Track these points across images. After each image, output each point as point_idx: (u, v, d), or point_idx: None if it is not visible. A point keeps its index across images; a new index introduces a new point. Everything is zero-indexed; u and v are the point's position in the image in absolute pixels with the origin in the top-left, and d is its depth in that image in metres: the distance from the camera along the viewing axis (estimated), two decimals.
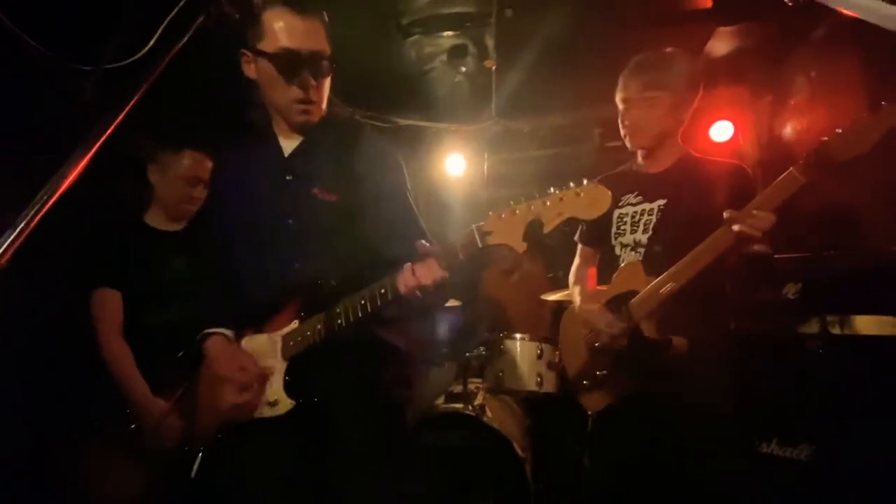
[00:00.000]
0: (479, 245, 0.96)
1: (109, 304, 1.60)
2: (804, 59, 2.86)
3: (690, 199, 1.48)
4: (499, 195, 4.09)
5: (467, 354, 2.54)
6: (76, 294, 1.64)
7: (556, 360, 2.58)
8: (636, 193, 1.62)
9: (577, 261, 1.85)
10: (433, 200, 3.77)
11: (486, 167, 3.92)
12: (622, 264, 1.57)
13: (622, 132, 1.62)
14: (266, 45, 1.17)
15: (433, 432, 2.23)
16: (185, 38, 0.85)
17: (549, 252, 3.20)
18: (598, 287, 1.68)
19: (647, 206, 1.58)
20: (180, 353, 1.59)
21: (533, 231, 0.91)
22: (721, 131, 3.22)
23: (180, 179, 1.73)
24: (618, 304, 1.50)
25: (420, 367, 2.70)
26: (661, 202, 1.55)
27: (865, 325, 1.69)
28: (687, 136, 1.68)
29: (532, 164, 3.96)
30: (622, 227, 1.61)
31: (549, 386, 2.47)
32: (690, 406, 1.36)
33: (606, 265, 1.66)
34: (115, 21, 1.74)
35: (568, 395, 2.60)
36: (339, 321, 1.10)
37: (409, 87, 3.20)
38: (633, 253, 1.56)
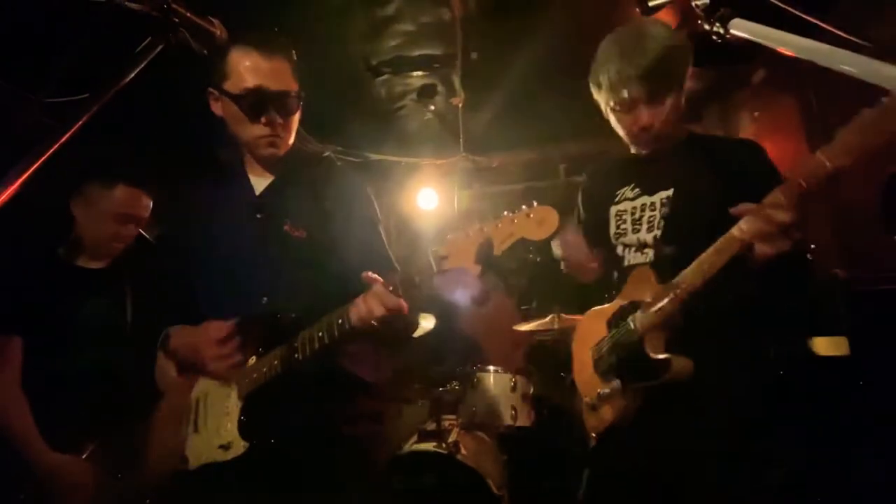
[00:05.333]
0: (435, 269, 0.96)
1: (6, 352, 1.44)
2: (747, 101, 3.07)
3: (701, 187, 1.26)
4: (461, 228, 4.15)
5: (440, 389, 2.48)
6: None
7: (531, 392, 2.54)
8: (633, 186, 1.39)
9: None
10: (405, 233, 3.78)
11: (456, 201, 3.98)
12: (627, 266, 1.37)
13: (629, 132, 1.35)
14: (231, 86, 1.17)
15: (405, 473, 2.14)
16: (137, 70, 0.84)
17: (522, 285, 3.23)
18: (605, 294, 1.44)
19: (647, 199, 1.36)
20: (94, 402, 1.45)
21: (483, 252, 0.91)
22: None
23: (109, 215, 1.58)
24: (624, 315, 1.30)
25: (391, 403, 2.62)
26: (666, 194, 1.32)
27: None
28: None
29: (501, 199, 4.06)
30: (622, 227, 1.40)
31: (524, 419, 2.43)
32: (689, 434, 1.19)
33: (611, 268, 1.45)
34: (75, 53, 1.74)
35: (543, 428, 2.58)
36: (297, 355, 1.06)
37: (379, 123, 3.27)
38: (638, 254, 1.35)
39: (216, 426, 1.11)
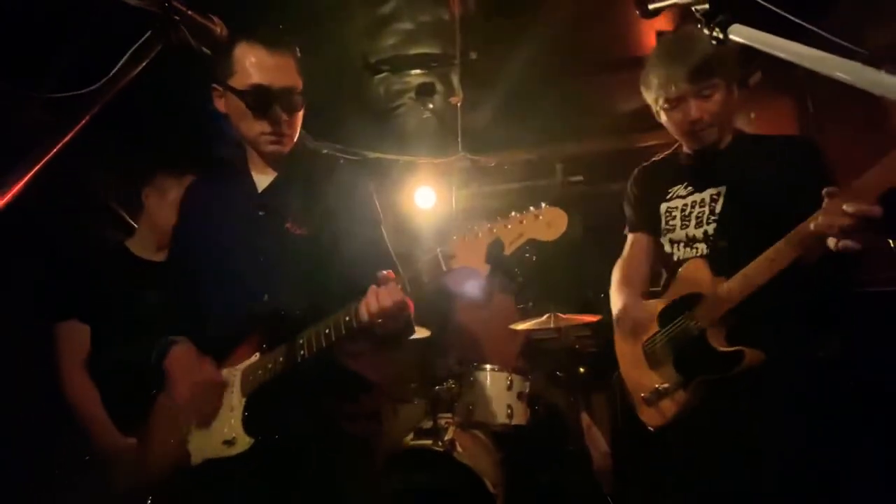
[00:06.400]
0: (444, 268, 0.97)
1: (75, 338, 1.52)
2: (744, 102, 3.09)
3: (755, 184, 1.29)
4: (469, 227, 4.17)
5: (437, 388, 2.49)
6: (38, 327, 1.55)
7: (527, 390, 2.56)
8: (686, 184, 1.43)
9: (626, 253, 1.58)
10: (403, 232, 3.79)
11: (454, 200, 3.99)
12: (676, 261, 1.39)
13: (680, 129, 1.39)
14: (236, 82, 1.17)
15: (402, 470, 2.15)
16: (140, 67, 0.84)
17: (518, 284, 3.25)
18: (653, 288, 1.48)
19: (697, 196, 1.39)
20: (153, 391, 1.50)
21: (494, 252, 0.93)
22: None
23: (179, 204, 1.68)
24: (680, 308, 1.30)
25: (389, 402, 2.63)
26: (716, 190, 1.35)
27: None
28: None
29: (499, 198, 4.07)
30: (671, 223, 1.43)
31: (520, 418, 2.44)
32: (756, 431, 1.20)
33: (657, 263, 1.48)
34: (74, 49, 1.74)
35: (538, 426, 2.59)
36: (302, 352, 1.07)
37: (378, 122, 3.27)
38: (687, 249, 1.38)
39: (219, 422, 1.12)
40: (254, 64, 1.17)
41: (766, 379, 1.21)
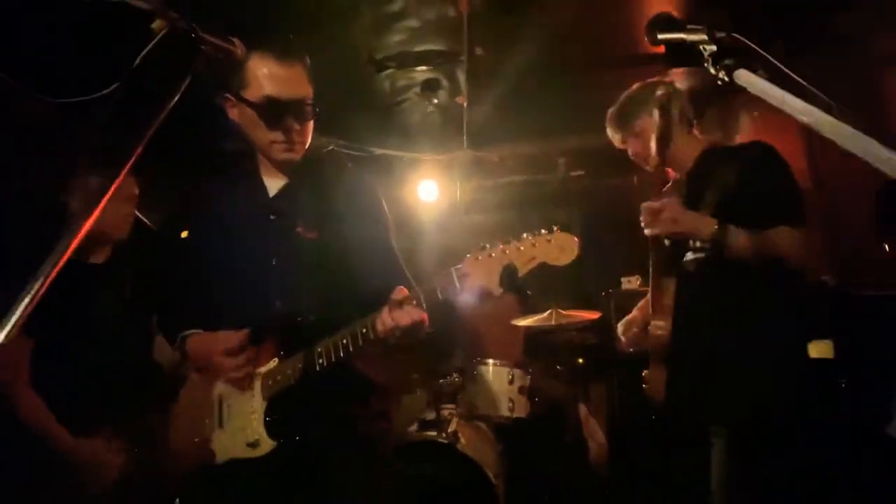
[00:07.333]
0: (458, 287, 1.01)
1: (15, 354, 1.45)
2: (747, 101, 3.11)
3: (715, 195, 1.47)
4: (471, 220, 4.21)
5: (440, 381, 2.56)
6: None
7: (527, 384, 2.64)
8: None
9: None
10: (408, 225, 3.82)
11: (458, 193, 4.02)
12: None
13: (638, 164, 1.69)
14: (249, 93, 1.20)
15: (407, 461, 2.23)
16: (187, 82, 0.87)
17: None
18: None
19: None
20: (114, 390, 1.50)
21: (508, 275, 0.97)
22: None
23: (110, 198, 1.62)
24: None
25: (395, 398, 2.71)
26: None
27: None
28: None
29: (503, 191, 4.10)
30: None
31: (521, 411, 2.52)
32: None
33: None
34: (87, 53, 1.75)
35: (538, 419, 2.68)
36: (321, 360, 1.12)
37: (382, 117, 3.28)
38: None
39: (242, 424, 1.18)
40: (266, 76, 1.19)
41: None
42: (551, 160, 3.92)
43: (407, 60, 2.79)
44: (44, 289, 0.64)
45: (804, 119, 0.60)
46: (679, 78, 3.26)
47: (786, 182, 1.44)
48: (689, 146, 1.60)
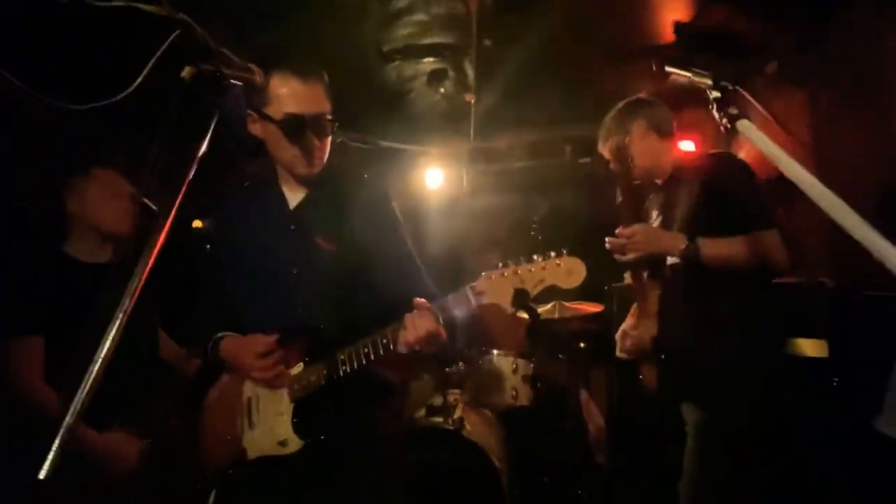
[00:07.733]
0: (473, 304, 1.08)
1: (28, 351, 1.49)
2: (758, 90, 3.09)
3: (684, 206, 1.62)
4: (478, 205, 4.25)
5: (447, 370, 2.66)
6: None
7: (530, 373, 2.74)
8: (656, 212, 1.80)
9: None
10: (415, 212, 3.87)
11: (465, 181, 4.05)
12: None
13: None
14: (272, 111, 1.25)
15: (415, 446, 2.35)
16: (216, 118, 0.93)
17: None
18: None
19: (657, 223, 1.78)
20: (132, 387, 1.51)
21: (520, 297, 1.04)
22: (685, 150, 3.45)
23: (104, 195, 1.59)
24: None
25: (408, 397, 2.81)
26: (657, 220, 1.75)
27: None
28: None
29: (509, 177, 4.13)
30: None
31: (524, 399, 2.63)
32: None
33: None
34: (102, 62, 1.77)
35: (540, 406, 2.80)
36: (344, 367, 1.20)
37: (389, 107, 3.29)
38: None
39: (271, 424, 1.27)
40: (287, 94, 1.25)
41: None
42: (558, 147, 3.93)
43: (414, 53, 2.79)
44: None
45: (798, 183, 0.65)
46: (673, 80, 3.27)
47: (749, 189, 1.55)
48: (667, 155, 1.73)
